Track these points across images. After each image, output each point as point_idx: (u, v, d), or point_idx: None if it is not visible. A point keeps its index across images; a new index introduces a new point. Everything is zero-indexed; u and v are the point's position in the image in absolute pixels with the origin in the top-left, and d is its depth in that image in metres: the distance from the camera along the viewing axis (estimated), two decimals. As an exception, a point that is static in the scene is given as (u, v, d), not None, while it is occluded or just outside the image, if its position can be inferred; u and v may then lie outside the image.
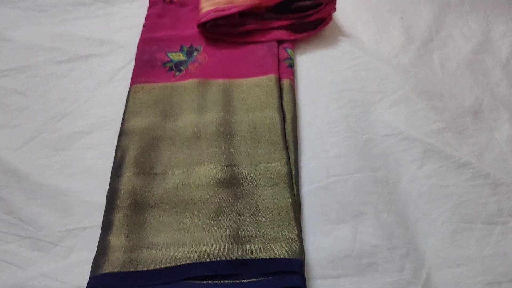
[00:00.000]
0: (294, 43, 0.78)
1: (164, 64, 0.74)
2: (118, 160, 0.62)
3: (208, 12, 0.77)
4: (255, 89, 0.70)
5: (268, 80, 0.70)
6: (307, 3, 0.79)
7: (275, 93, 0.69)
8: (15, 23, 0.83)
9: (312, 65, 0.76)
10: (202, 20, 0.77)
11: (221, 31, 0.78)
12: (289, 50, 0.76)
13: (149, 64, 0.74)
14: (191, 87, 0.70)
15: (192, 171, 0.61)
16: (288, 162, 0.61)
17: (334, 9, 0.78)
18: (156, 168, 0.62)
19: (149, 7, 0.84)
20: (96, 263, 0.53)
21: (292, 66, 0.73)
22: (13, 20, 0.84)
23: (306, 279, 0.51)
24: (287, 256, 0.53)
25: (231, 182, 0.59)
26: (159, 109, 0.68)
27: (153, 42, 0.77)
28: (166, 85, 0.71)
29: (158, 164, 0.62)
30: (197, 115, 0.67)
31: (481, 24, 0.82)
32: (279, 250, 0.53)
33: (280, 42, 0.78)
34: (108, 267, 0.52)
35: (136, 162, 0.61)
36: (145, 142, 0.64)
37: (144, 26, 0.80)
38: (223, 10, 0.77)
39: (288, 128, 0.65)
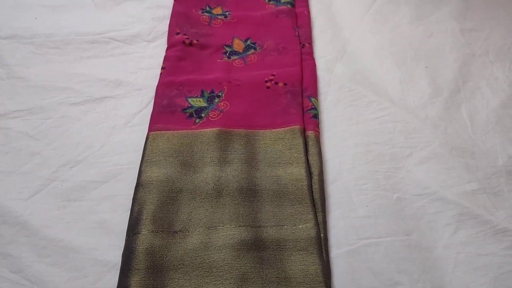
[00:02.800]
0: (317, 90, 0.76)
1: (183, 110, 0.71)
2: (134, 216, 0.58)
3: None
4: (279, 142, 0.67)
5: (292, 132, 0.68)
6: None
7: (301, 147, 0.66)
8: (28, 60, 0.80)
9: (336, 114, 0.73)
10: None
11: None
12: (313, 99, 0.73)
13: (168, 110, 0.71)
14: (212, 136, 0.67)
15: (213, 230, 0.57)
16: (317, 224, 0.57)
17: None
18: (176, 225, 0.58)
19: (168, 48, 0.82)
20: (111, 335, 0.48)
21: (316, 116, 0.71)
22: (26, 56, 0.81)
23: None
24: (318, 332, 0.49)
25: (255, 245, 0.55)
26: (179, 159, 0.64)
27: (172, 86, 0.74)
28: (186, 133, 0.68)
29: (177, 220, 0.59)
30: (218, 168, 0.63)
31: (507, 75, 0.80)
32: (309, 325, 0.50)
33: (304, 89, 0.75)
34: None
35: (154, 218, 0.58)
36: (164, 196, 0.60)
37: (163, 68, 0.78)
38: None
39: (315, 185, 0.61)
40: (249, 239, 0.55)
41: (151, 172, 0.62)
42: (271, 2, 0.93)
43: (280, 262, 0.54)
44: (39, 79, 0.77)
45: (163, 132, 0.67)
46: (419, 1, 0.96)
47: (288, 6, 0.91)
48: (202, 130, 0.68)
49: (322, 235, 0.57)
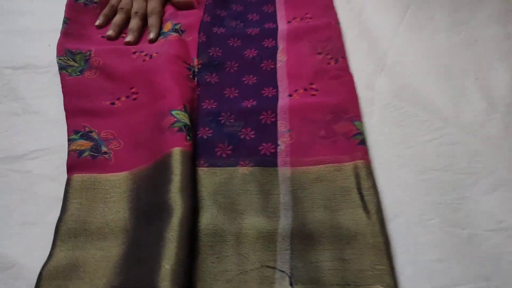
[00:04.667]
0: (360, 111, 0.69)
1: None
2: None
3: None
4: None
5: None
6: None
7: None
8: (44, 91, 0.75)
9: (385, 137, 0.66)
10: None
11: None
12: (357, 123, 0.66)
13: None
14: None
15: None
16: (391, 282, 0.50)
17: None
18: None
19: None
20: None
21: (364, 142, 0.64)
22: (41, 88, 0.75)
23: None
24: None
25: None
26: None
27: None
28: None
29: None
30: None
31: None
32: None
33: (344, 110, 0.68)
34: None
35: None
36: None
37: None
38: None
39: (375, 226, 0.54)
40: None
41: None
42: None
43: None
44: (57, 113, 0.70)
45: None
46: (455, 5, 0.88)
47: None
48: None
49: (391, 286, 0.50)
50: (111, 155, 0.64)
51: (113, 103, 0.71)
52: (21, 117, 0.71)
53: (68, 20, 0.83)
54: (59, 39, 0.80)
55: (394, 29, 0.85)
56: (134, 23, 0.84)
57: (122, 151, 0.65)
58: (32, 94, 0.74)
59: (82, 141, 0.66)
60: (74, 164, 0.63)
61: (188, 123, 0.64)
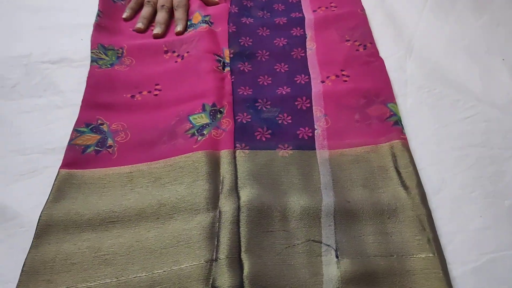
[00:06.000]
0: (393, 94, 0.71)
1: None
2: None
3: None
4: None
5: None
6: None
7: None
8: (82, 84, 0.75)
9: (422, 118, 0.68)
10: None
11: None
12: (390, 105, 0.69)
13: None
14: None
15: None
16: (434, 248, 0.52)
17: None
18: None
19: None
20: None
21: (398, 122, 0.66)
22: (79, 81, 0.76)
23: None
24: None
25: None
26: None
27: None
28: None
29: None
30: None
31: None
32: None
33: (377, 94, 0.71)
34: None
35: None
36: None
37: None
38: None
39: (415, 199, 0.56)
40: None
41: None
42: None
43: None
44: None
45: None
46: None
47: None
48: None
49: (435, 254, 0.52)
50: (115, 148, 0.64)
51: (133, 96, 0.73)
52: (63, 110, 0.72)
53: (101, 13, 0.85)
54: (92, 33, 0.82)
55: (418, 14, 0.87)
56: (161, 16, 0.86)
57: (128, 144, 0.65)
58: (71, 87, 0.75)
59: (90, 135, 0.65)
60: (76, 160, 0.62)
61: (205, 122, 0.67)
